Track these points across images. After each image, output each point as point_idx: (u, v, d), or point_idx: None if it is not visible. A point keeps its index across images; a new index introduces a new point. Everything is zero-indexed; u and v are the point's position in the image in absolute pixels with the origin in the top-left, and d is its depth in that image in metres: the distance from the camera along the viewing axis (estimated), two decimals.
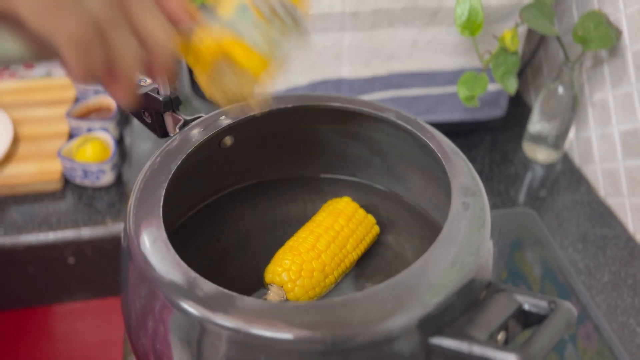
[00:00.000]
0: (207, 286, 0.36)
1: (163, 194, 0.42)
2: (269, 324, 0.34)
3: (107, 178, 0.78)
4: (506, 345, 0.36)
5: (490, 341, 0.35)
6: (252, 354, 0.35)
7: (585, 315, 0.63)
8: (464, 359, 0.34)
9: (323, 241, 0.51)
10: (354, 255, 0.53)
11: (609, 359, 0.59)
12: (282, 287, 0.48)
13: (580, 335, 0.62)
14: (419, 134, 0.48)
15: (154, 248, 0.39)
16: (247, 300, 0.36)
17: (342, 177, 0.60)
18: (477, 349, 0.34)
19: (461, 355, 0.34)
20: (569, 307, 0.36)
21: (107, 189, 0.79)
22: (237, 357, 0.35)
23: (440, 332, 0.35)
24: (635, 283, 0.67)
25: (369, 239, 0.54)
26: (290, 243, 0.51)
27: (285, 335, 0.34)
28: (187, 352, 0.37)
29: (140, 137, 0.87)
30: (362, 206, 0.56)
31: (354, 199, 0.59)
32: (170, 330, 0.37)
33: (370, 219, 0.55)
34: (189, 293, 0.36)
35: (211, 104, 0.84)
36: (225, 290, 0.36)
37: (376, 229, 0.55)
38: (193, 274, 0.37)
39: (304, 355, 0.35)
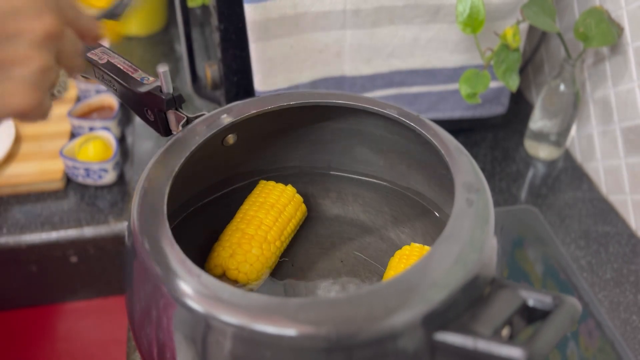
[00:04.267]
0: (212, 283, 0.36)
1: (167, 191, 0.42)
2: (273, 320, 0.35)
3: (109, 177, 0.78)
4: (511, 340, 0.36)
5: (495, 336, 0.35)
6: (257, 351, 0.35)
7: (588, 312, 0.63)
8: (468, 355, 0.34)
9: (236, 220, 0.53)
10: (274, 212, 0.53)
11: (611, 356, 0.59)
12: (229, 277, 0.49)
13: (582, 333, 0.62)
14: (422, 131, 0.49)
15: (159, 245, 0.39)
16: (252, 297, 0.36)
17: (345, 174, 0.60)
18: (482, 344, 0.34)
19: (466, 350, 0.34)
20: (573, 303, 0.36)
21: (109, 187, 0.79)
22: (242, 354, 0.36)
23: (444, 328, 0.35)
24: (637, 280, 0.67)
25: (284, 199, 0.55)
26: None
27: (290, 331, 0.34)
28: (192, 349, 0.37)
29: (142, 136, 0.87)
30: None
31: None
32: (175, 327, 0.37)
33: (280, 185, 0.56)
34: (194, 290, 0.36)
35: (212, 103, 0.84)
36: (230, 287, 0.36)
37: (290, 188, 0.56)
38: (198, 270, 0.37)
39: (309, 351, 0.35)
